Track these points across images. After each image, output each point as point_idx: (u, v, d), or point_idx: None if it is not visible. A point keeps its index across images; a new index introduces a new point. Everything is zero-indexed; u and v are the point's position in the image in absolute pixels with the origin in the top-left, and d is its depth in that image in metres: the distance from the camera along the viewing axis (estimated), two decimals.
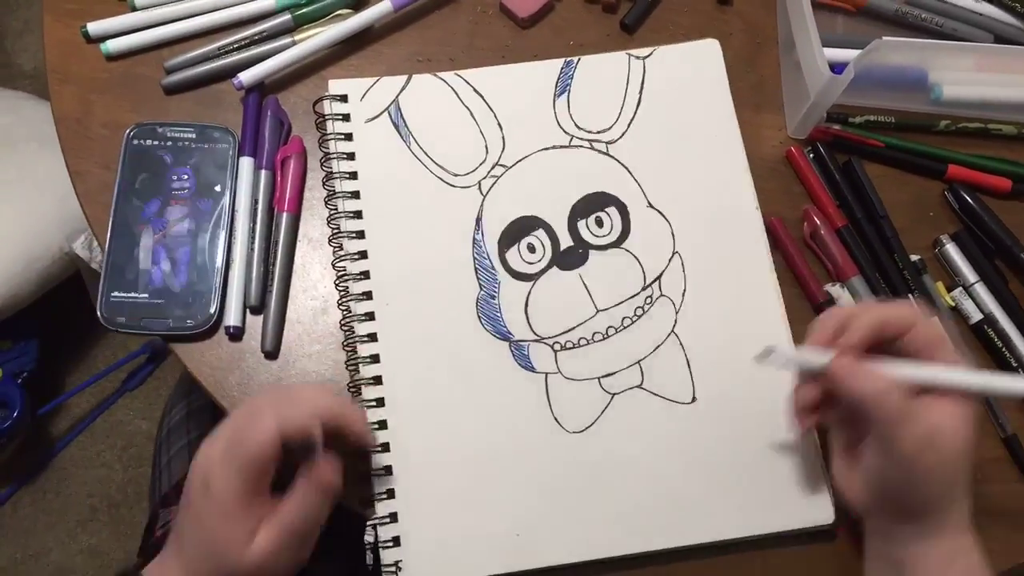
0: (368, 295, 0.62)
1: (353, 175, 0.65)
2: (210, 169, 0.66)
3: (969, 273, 0.67)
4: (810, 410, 0.55)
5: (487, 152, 0.67)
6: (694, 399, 0.61)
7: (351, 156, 0.66)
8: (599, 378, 0.62)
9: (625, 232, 0.65)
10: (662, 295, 0.64)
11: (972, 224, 0.69)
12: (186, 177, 0.66)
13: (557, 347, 0.62)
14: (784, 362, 0.55)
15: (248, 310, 0.64)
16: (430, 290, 0.63)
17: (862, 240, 0.68)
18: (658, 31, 0.74)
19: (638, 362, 0.62)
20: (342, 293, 0.63)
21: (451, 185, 0.66)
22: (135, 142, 0.66)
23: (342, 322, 0.63)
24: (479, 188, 0.66)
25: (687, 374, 0.62)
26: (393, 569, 0.56)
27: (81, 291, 1.36)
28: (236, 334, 0.63)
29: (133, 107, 0.69)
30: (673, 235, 0.65)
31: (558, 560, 0.58)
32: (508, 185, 0.66)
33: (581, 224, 0.65)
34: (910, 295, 0.65)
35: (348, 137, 0.66)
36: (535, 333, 0.62)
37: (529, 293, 0.63)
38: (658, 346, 0.63)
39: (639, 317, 0.63)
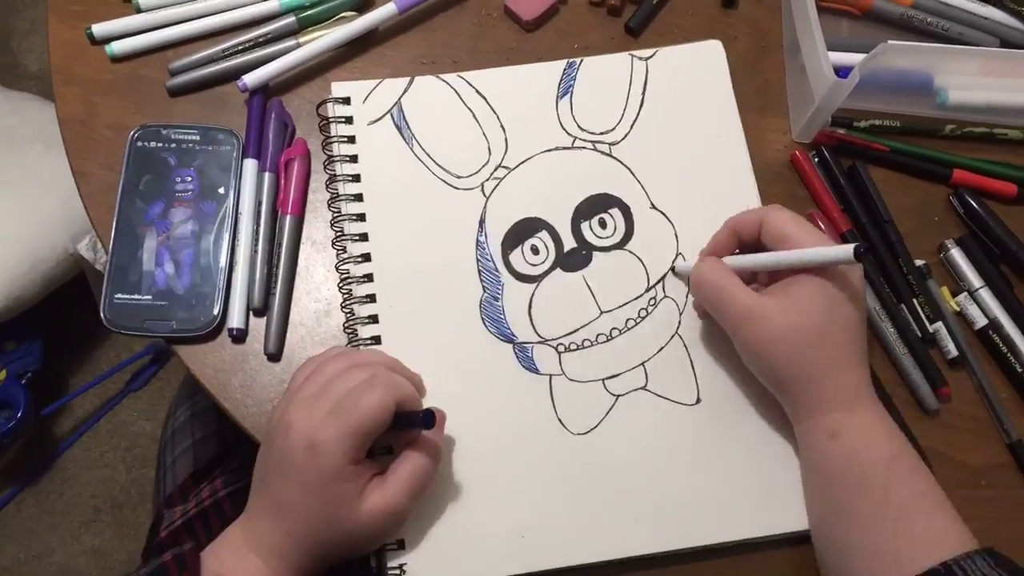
0: (371, 298, 0.62)
1: (356, 177, 0.65)
2: (214, 171, 0.66)
3: (974, 278, 0.67)
4: None
5: (490, 154, 0.67)
6: (698, 401, 0.61)
7: (354, 158, 0.66)
8: (603, 380, 0.62)
9: (628, 233, 0.65)
10: (666, 296, 0.64)
11: (977, 229, 0.68)
12: (190, 179, 0.66)
13: (561, 349, 0.62)
14: (679, 274, 0.64)
15: (251, 312, 0.64)
16: (433, 292, 0.63)
17: (867, 244, 0.67)
18: (662, 34, 0.74)
19: (642, 364, 0.62)
20: (345, 295, 0.63)
21: (454, 187, 0.66)
22: (139, 144, 0.66)
23: (345, 324, 0.63)
24: (482, 190, 0.65)
25: (691, 376, 0.62)
26: (398, 572, 0.56)
27: (85, 292, 1.37)
28: (239, 336, 0.63)
29: (137, 109, 0.69)
30: (676, 236, 0.65)
31: (562, 562, 0.58)
32: (511, 187, 0.66)
33: (584, 226, 0.65)
34: (914, 300, 0.65)
35: (351, 139, 0.66)
36: (539, 335, 0.62)
37: (532, 295, 0.63)
38: (662, 348, 0.62)
39: (643, 319, 0.63)
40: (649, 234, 0.65)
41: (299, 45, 0.69)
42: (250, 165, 0.66)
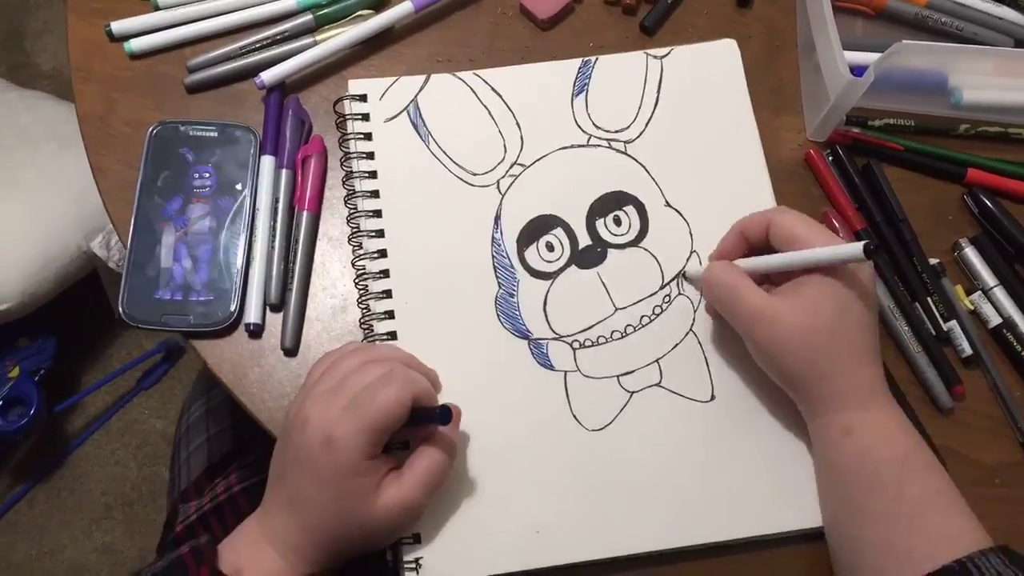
0: (387, 293, 0.63)
1: (372, 174, 0.66)
2: (231, 167, 0.67)
3: (988, 277, 0.67)
4: None
5: (505, 151, 0.67)
6: (712, 397, 0.62)
7: (371, 155, 0.66)
8: (618, 376, 0.62)
9: (643, 231, 0.65)
10: (680, 294, 0.64)
11: (991, 228, 0.68)
12: (208, 175, 0.66)
13: (576, 345, 0.62)
14: (690, 278, 0.64)
15: (268, 308, 0.64)
16: (449, 288, 0.63)
17: (881, 243, 0.67)
18: (677, 33, 0.74)
19: (656, 360, 0.62)
20: (361, 291, 0.63)
21: (470, 184, 0.66)
22: (157, 140, 0.67)
23: (361, 320, 0.63)
24: (498, 187, 0.66)
25: (705, 372, 0.62)
26: (413, 566, 0.56)
27: (98, 290, 1.38)
28: (256, 331, 0.63)
29: (156, 105, 0.69)
30: (691, 234, 0.65)
31: (577, 557, 0.58)
32: (526, 184, 0.66)
33: (599, 223, 0.65)
34: (928, 299, 0.65)
35: (368, 136, 0.67)
36: (554, 331, 0.63)
37: (548, 291, 0.63)
38: (676, 344, 0.63)
39: (657, 315, 0.63)
40: (664, 232, 0.65)
41: (316, 43, 0.70)
42: (267, 162, 0.67)
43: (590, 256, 0.64)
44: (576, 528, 0.58)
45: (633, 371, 0.62)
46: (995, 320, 0.66)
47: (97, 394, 1.61)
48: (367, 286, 0.63)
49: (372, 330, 0.62)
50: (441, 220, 0.65)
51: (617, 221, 0.65)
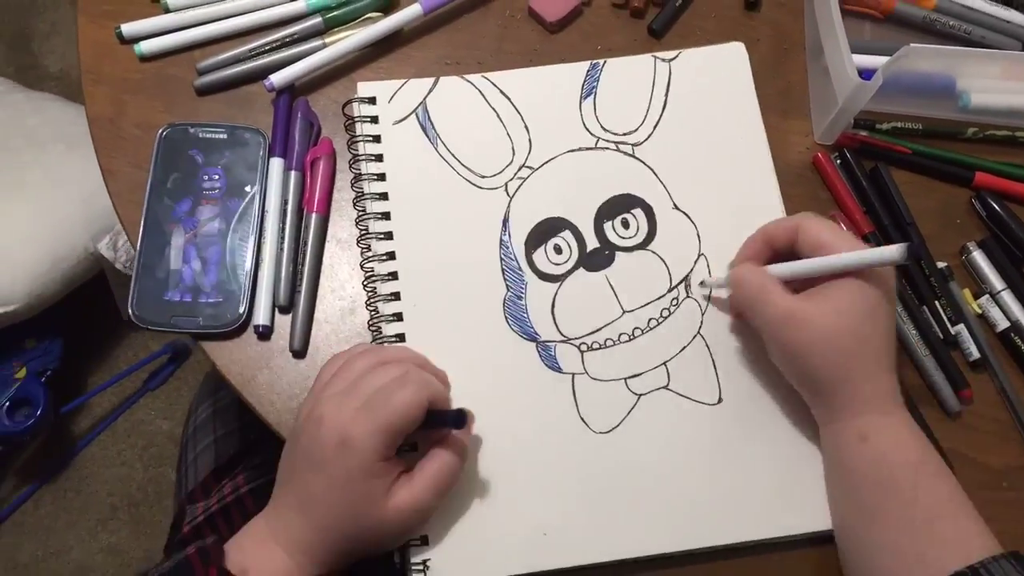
0: (396, 296, 0.63)
1: (381, 176, 0.66)
2: (241, 169, 0.67)
3: (996, 280, 0.67)
4: None
5: (514, 154, 0.67)
6: (720, 400, 0.62)
7: (379, 158, 0.66)
8: (625, 379, 0.62)
9: (651, 234, 0.65)
10: (688, 297, 0.64)
11: (999, 231, 0.68)
12: (217, 177, 0.67)
13: (584, 348, 0.62)
14: (712, 285, 0.64)
15: (277, 310, 0.64)
16: (457, 291, 0.63)
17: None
18: (685, 36, 0.74)
19: (664, 363, 0.62)
20: (370, 293, 0.63)
21: (478, 186, 0.66)
22: (167, 142, 0.67)
23: (370, 322, 0.63)
24: (506, 189, 0.66)
25: (713, 375, 0.62)
26: (421, 568, 0.57)
27: (105, 291, 1.38)
28: (265, 333, 0.63)
29: (165, 107, 0.70)
30: (699, 237, 0.65)
31: (584, 560, 0.58)
32: (535, 186, 0.66)
33: (607, 226, 0.65)
34: (936, 303, 0.65)
35: (376, 139, 0.67)
36: (562, 334, 0.63)
37: (556, 294, 0.63)
38: (684, 347, 0.63)
39: (665, 318, 0.63)
40: (672, 235, 0.65)
41: (325, 45, 0.70)
42: (276, 164, 0.67)
43: (598, 259, 0.64)
44: (583, 531, 0.58)
45: (641, 374, 0.62)
46: (1003, 324, 0.66)
47: (103, 395, 1.61)
48: (375, 288, 0.63)
49: (380, 332, 0.62)
50: (449, 222, 0.65)
51: (625, 224, 0.65)
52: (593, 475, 0.59)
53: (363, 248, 0.65)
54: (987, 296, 0.67)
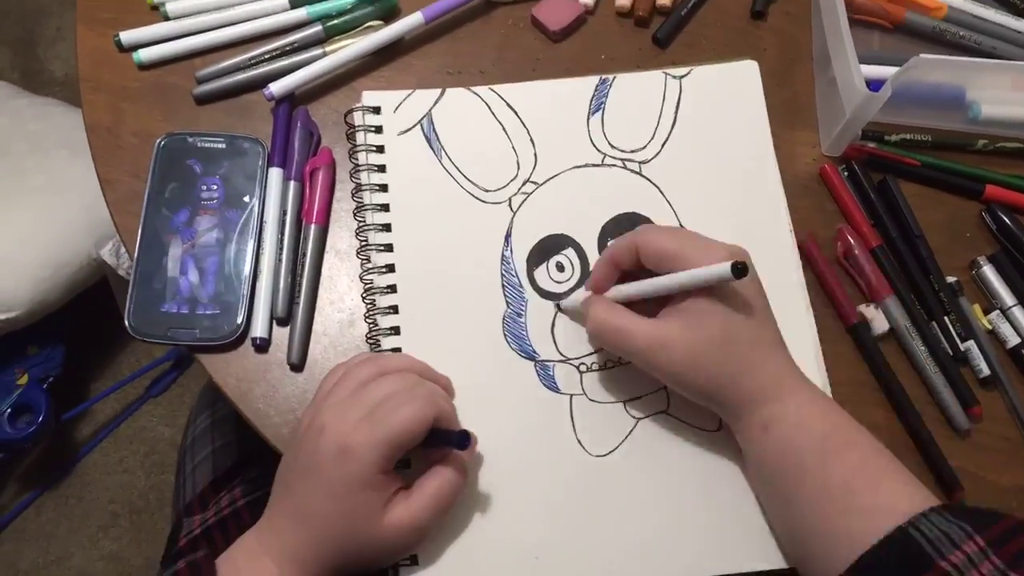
0: (394, 309, 0.62)
1: (383, 187, 0.65)
2: (239, 179, 0.66)
3: (1007, 296, 0.66)
4: None
5: (519, 168, 0.66)
6: (720, 427, 0.60)
7: (381, 168, 0.65)
8: (624, 402, 0.61)
9: None
10: None
11: (1010, 245, 0.67)
12: (215, 187, 0.66)
13: (583, 368, 0.61)
14: (567, 306, 0.63)
15: (275, 321, 0.63)
16: (457, 306, 0.62)
17: (897, 260, 0.66)
18: (691, 45, 0.73)
19: (664, 387, 0.61)
20: (369, 306, 0.63)
21: (481, 201, 0.65)
22: (165, 151, 0.66)
23: (368, 335, 0.62)
24: (509, 204, 0.65)
25: None
26: None
27: (108, 297, 1.38)
28: (262, 345, 0.63)
29: (164, 116, 0.69)
30: None
31: None
32: (539, 202, 0.65)
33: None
34: (945, 318, 0.64)
35: (380, 149, 0.66)
36: (561, 353, 0.62)
37: (556, 313, 0.62)
38: None
39: None
40: None
41: (326, 54, 0.69)
42: (275, 174, 0.66)
43: None
44: (576, 555, 0.57)
45: (640, 397, 0.61)
46: (1013, 340, 0.65)
47: (106, 401, 1.61)
48: (374, 301, 0.62)
49: (379, 345, 0.61)
50: (451, 236, 0.64)
51: None
52: (588, 498, 0.58)
53: (363, 260, 0.64)
54: (997, 312, 0.66)
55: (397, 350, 0.61)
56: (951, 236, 0.68)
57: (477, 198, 0.65)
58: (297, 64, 0.69)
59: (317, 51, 0.70)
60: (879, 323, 0.64)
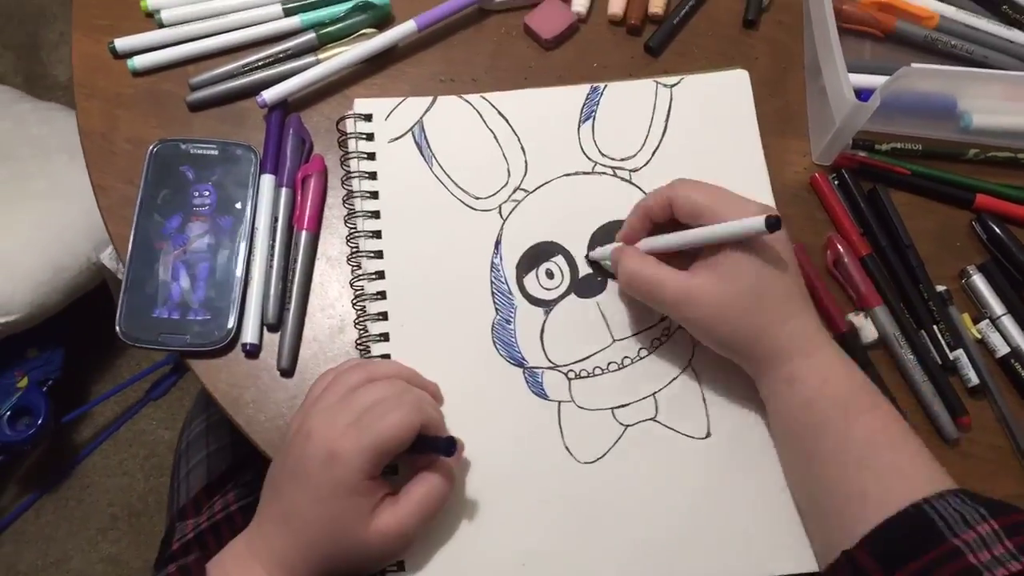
0: (384, 315, 0.62)
1: (374, 194, 0.65)
2: (231, 186, 0.66)
3: (996, 305, 0.66)
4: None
5: (509, 176, 0.66)
6: (708, 435, 0.60)
7: (372, 175, 0.66)
8: (612, 409, 0.61)
9: None
10: (680, 328, 0.63)
11: (1000, 255, 0.67)
12: (207, 193, 0.66)
13: (571, 375, 0.61)
14: (598, 258, 0.64)
15: (265, 327, 0.64)
16: (446, 312, 0.63)
17: (887, 269, 0.66)
18: (683, 54, 0.73)
19: (653, 394, 0.61)
20: (359, 312, 0.63)
21: (472, 208, 0.65)
22: (158, 158, 0.67)
23: (358, 341, 0.62)
24: (499, 212, 0.65)
25: (702, 409, 0.61)
26: None
27: (107, 301, 1.37)
28: (253, 351, 0.63)
29: (158, 123, 0.69)
30: None
31: None
32: (529, 210, 0.65)
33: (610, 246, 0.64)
34: (935, 327, 0.64)
35: (371, 156, 0.66)
36: (550, 360, 0.62)
37: (545, 320, 0.63)
38: (673, 379, 0.62)
39: (656, 348, 0.62)
40: None
41: (319, 61, 0.70)
42: (267, 180, 0.66)
43: (590, 285, 0.64)
44: (563, 562, 0.57)
45: (628, 404, 0.61)
46: (1003, 349, 0.65)
47: (105, 404, 1.61)
48: (364, 307, 0.63)
49: (368, 351, 0.62)
50: (441, 243, 0.64)
51: None
52: (575, 506, 0.58)
53: (353, 266, 0.64)
54: (987, 321, 0.66)
55: (386, 356, 0.61)
56: (941, 245, 0.68)
57: (467, 205, 0.65)
58: (290, 71, 0.69)
59: (310, 58, 0.70)
60: (868, 332, 0.64)
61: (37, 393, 1.41)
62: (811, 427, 0.54)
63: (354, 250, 0.64)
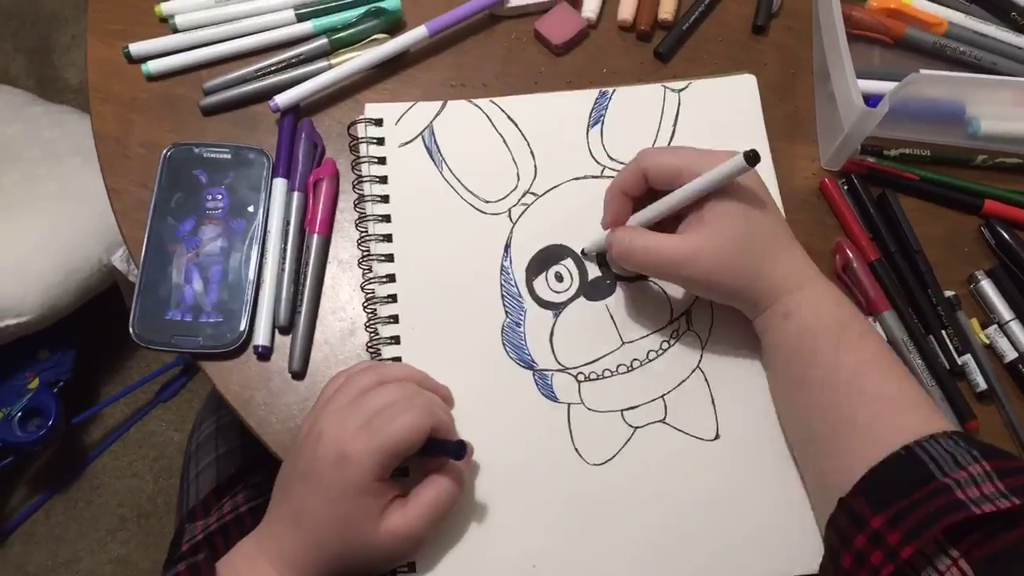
0: (395, 318, 0.63)
1: (385, 198, 0.66)
2: (244, 189, 0.67)
3: (1004, 310, 0.66)
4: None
5: (519, 179, 0.67)
6: (717, 436, 0.61)
7: (383, 179, 0.66)
8: (622, 411, 0.61)
9: None
10: (689, 329, 0.63)
11: (1008, 260, 0.67)
12: (220, 197, 0.67)
13: (581, 378, 0.62)
14: (590, 250, 0.64)
15: (277, 330, 0.64)
16: (456, 315, 0.63)
17: (895, 274, 0.67)
18: (692, 60, 0.74)
19: (662, 396, 0.62)
20: (369, 315, 0.63)
21: (481, 211, 0.66)
22: (172, 161, 0.68)
23: (369, 344, 0.63)
24: (509, 215, 0.66)
25: (711, 410, 0.61)
26: None
27: (118, 303, 1.39)
28: (264, 354, 0.63)
29: (171, 127, 0.70)
30: None
31: None
32: (538, 213, 0.66)
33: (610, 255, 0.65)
34: (943, 332, 0.64)
35: (381, 160, 0.67)
36: (559, 363, 0.62)
37: (555, 322, 0.63)
38: (683, 381, 0.62)
39: (665, 351, 0.63)
40: None
41: (331, 66, 0.70)
42: (279, 184, 0.67)
43: (599, 288, 0.64)
44: (573, 564, 0.57)
45: (637, 406, 0.61)
46: (1011, 355, 0.65)
47: (115, 406, 1.62)
48: (375, 310, 0.63)
49: (379, 354, 0.62)
50: (451, 246, 0.65)
51: None
52: (585, 507, 0.59)
53: (364, 269, 0.65)
54: (995, 326, 0.66)
55: (397, 359, 0.62)
56: (950, 251, 0.69)
57: (477, 209, 0.66)
58: (302, 76, 0.70)
59: (322, 63, 0.70)
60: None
61: (48, 394, 1.42)
62: (804, 355, 0.56)
63: (365, 253, 0.65)
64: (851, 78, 0.64)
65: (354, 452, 0.51)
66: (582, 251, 0.65)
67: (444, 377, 0.61)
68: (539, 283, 0.64)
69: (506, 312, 0.63)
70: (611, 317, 0.63)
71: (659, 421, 0.61)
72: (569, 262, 0.65)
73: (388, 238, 0.65)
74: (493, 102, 0.69)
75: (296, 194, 0.67)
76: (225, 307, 0.64)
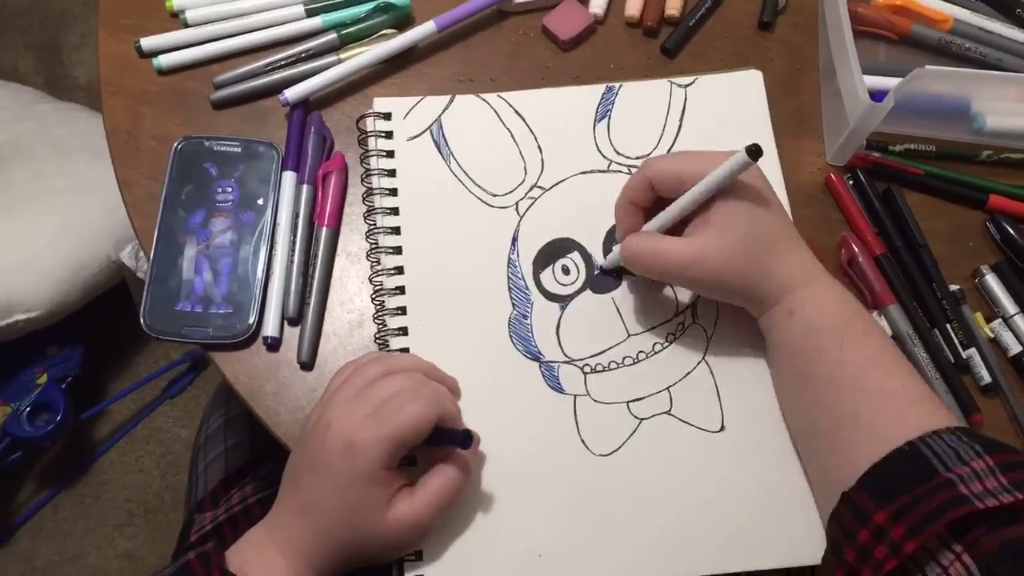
0: (403, 310, 0.63)
1: (393, 191, 0.66)
2: (254, 182, 0.68)
3: (1009, 304, 0.66)
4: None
5: (526, 173, 0.67)
6: (723, 428, 0.61)
7: (392, 173, 0.67)
8: (627, 402, 0.62)
9: None
10: (695, 322, 0.64)
11: (1013, 255, 0.68)
12: (230, 190, 0.67)
13: (587, 369, 0.62)
14: (607, 266, 0.65)
15: (286, 321, 0.65)
16: (463, 308, 0.64)
17: (900, 269, 0.67)
18: (699, 55, 0.74)
19: (667, 388, 0.62)
20: (378, 307, 0.64)
21: (489, 205, 0.66)
22: (182, 155, 0.68)
23: (377, 336, 0.63)
24: (516, 209, 0.66)
25: (716, 402, 0.62)
26: None
27: (126, 300, 1.39)
28: (273, 345, 0.64)
29: (182, 120, 0.71)
30: None
31: None
32: (545, 207, 0.66)
33: (616, 248, 0.65)
34: (948, 326, 0.65)
35: (390, 154, 0.67)
36: (566, 355, 0.63)
37: (561, 315, 0.63)
38: (688, 373, 0.62)
39: (670, 343, 0.63)
40: None
41: (340, 61, 0.71)
42: (289, 177, 0.68)
43: (606, 281, 0.64)
44: (578, 554, 0.58)
45: (643, 398, 0.62)
46: (1015, 348, 0.65)
47: (123, 402, 1.63)
48: (383, 302, 0.64)
49: (387, 345, 0.63)
50: (459, 239, 0.65)
51: None
52: (591, 498, 0.59)
53: (372, 262, 0.65)
54: (999, 320, 0.66)
55: (405, 350, 0.62)
56: (955, 245, 0.69)
57: (485, 202, 0.66)
58: (312, 71, 0.70)
59: (332, 58, 0.71)
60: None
61: (56, 390, 1.42)
62: (807, 353, 0.56)
63: (373, 246, 0.65)
64: (857, 74, 0.64)
65: (362, 441, 0.52)
66: (599, 268, 0.65)
67: (451, 368, 0.61)
68: (546, 276, 0.64)
69: (513, 304, 0.64)
70: (617, 310, 0.64)
71: (665, 413, 0.61)
72: (576, 255, 0.65)
73: (396, 231, 0.65)
74: (501, 97, 0.70)
75: (305, 187, 0.67)
76: (235, 299, 0.64)
